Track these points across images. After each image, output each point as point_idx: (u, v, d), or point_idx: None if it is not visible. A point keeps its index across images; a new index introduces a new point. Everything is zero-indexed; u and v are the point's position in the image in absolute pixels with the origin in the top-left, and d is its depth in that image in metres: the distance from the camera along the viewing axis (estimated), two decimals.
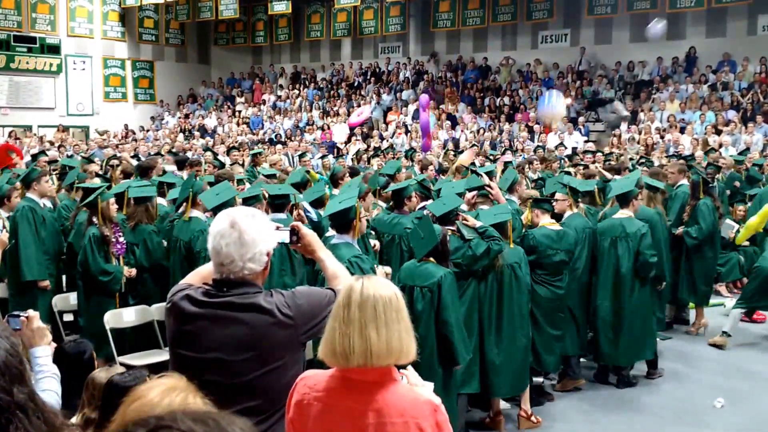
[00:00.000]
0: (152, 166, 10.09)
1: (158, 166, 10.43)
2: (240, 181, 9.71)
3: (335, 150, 21.31)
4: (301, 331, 2.98)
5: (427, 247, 5.57)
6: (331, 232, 6.67)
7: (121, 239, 7.44)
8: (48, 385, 3.31)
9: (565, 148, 17.68)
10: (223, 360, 2.93)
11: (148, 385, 2.18)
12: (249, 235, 2.91)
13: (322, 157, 17.00)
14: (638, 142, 18.30)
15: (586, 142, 18.93)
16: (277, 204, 7.03)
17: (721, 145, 17.04)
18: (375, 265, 5.84)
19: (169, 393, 2.13)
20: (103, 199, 7.31)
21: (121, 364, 6.30)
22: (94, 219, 7.32)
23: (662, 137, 18.33)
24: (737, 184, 12.87)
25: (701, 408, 7.03)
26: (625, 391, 7.52)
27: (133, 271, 7.43)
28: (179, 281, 3.19)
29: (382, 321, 2.55)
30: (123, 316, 7.25)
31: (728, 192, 12.73)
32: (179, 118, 26.85)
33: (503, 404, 6.71)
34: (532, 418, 6.56)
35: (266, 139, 23.42)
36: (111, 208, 7.39)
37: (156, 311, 7.29)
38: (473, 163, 13.12)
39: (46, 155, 13.69)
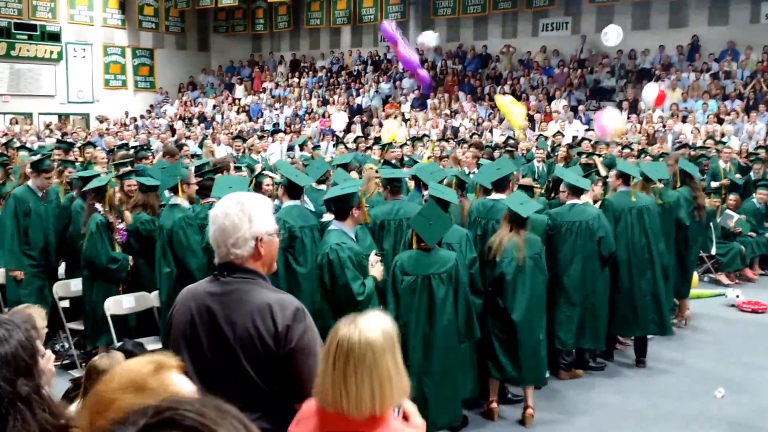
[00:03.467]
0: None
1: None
2: (238, 169, 9.75)
3: (334, 138, 21.25)
4: (280, 349, 2.87)
5: (441, 233, 5.54)
6: (329, 217, 6.63)
7: (122, 226, 7.47)
8: None
9: (563, 136, 17.61)
10: (217, 359, 2.92)
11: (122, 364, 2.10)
12: (230, 220, 2.89)
13: (314, 148, 16.62)
14: (639, 131, 18.24)
15: (586, 130, 18.86)
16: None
17: (723, 135, 17.02)
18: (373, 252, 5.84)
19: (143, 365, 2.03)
20: (111, 186, 7.39)
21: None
22: (98, 206, 7.32)
23: (664, 126, 18.28)
24: (739, 175, 12.89)
25: (702, 398, 7.01)
26: (624, 379, 7.53)
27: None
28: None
29: (351, 380, 2.47)
30: (123, 303, 7.26)
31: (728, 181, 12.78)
32: (179, 106, 26.79)
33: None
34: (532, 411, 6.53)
35: (265, 128, 23.35)
36: (116, 196, 7.45)
37: (155, 298, 7.30)
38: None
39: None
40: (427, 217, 5.57)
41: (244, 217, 2.90)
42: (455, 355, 5.68)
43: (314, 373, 2.82)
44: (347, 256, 5.19)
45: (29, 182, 8.10)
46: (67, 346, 7.86)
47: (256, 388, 2.86)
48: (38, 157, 8.77)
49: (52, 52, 25.29)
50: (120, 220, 7.47)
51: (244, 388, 2.85)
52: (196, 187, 7.43)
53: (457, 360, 5.73)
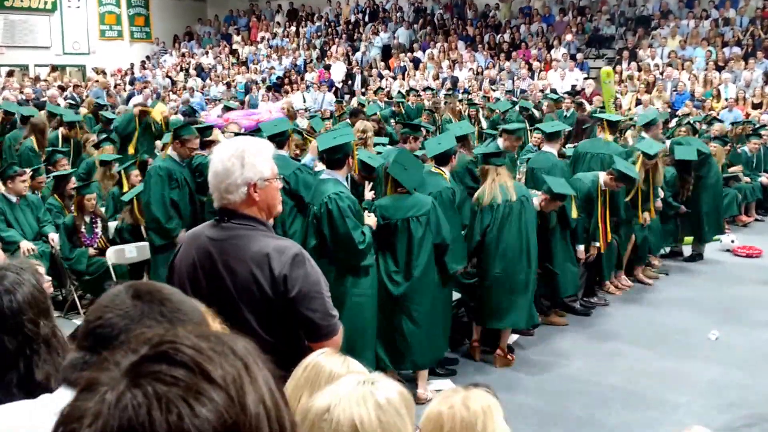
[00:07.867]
0: None
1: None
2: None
3: (334, 90, 21.14)
4: (279, 297, 2.88)
5: (417, 176, 5.68)
6: (320, 166, 6.65)
7: (98, 230, 7.59)
8: None
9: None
10: (218, 306, 2.96)
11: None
12: (223, 165, 2.87)
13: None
14: (638, 80, 18.17)
15: (585, 79, 18.80)
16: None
17: (721, 82, 16.97)
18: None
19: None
20: (81, 193, 7.54)
21: None
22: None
23: (662, 74, 18.20)
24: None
25: (695, 340, 7.13)
26: (616, 322, 7.66)
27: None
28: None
29: None
30: (125, 253, 7.34)
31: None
32: (177, 57, 26.53)
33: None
34: (508, 356, 6.67)
35: (265, 79, 23.19)
36: (88, 203, 7.56)
37: None
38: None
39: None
40: (402, 163, 5.71)
41: (237, 162, 2.86)
42: (436, 295, 5.86)
43: (326, 313, 2.92)
44: (347, 206, 5.18)
45: (3, 189, 7.85)
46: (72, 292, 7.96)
47: (257, 336, 2.82)
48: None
49: (46, 3, 24.92)
50: (96, 224, 7.61)
51: (245, 335, 2.89)
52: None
53: (438, 300, 5.91)
